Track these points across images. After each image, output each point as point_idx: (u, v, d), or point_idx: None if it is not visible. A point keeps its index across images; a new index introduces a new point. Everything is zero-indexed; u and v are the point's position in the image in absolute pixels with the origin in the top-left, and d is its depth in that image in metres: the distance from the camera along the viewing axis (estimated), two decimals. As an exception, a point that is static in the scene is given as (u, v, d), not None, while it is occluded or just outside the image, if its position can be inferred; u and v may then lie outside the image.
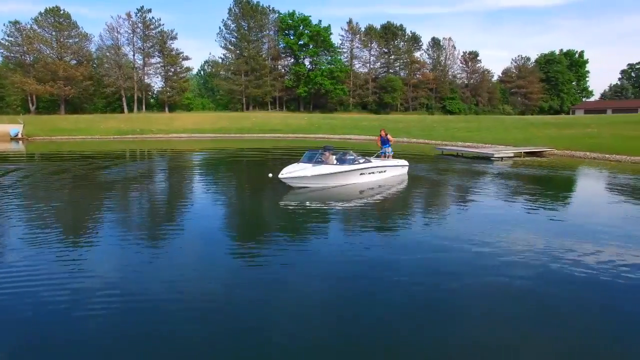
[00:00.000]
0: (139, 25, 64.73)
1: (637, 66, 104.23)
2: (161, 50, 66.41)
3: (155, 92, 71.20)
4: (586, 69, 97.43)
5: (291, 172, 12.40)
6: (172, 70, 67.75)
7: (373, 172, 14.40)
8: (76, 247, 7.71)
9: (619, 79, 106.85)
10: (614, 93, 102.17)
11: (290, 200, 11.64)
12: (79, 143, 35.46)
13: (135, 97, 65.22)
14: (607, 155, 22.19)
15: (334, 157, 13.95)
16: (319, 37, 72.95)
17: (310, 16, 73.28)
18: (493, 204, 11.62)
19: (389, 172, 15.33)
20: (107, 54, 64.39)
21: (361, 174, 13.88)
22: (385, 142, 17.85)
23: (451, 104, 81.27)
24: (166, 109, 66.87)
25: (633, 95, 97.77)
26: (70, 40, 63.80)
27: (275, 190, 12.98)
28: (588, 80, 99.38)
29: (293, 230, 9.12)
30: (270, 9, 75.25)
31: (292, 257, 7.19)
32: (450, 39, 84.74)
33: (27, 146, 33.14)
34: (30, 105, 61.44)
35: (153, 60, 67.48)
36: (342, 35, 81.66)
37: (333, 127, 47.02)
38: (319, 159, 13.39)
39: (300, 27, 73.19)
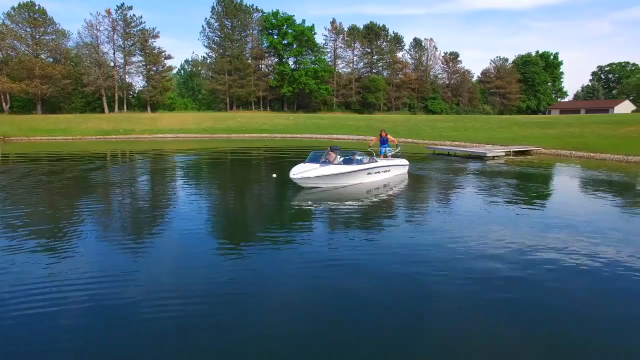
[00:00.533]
0: (120, 23, 63.16)
1: (606, 68, 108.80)
2: (142, 49, 64.97)
3: (136, 91, 69.66)
4: (561, 70, 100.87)
5: (302, 172, 12.48)
6: (154, 69, 66.40)
7: (379, 172, 14.65)
8: (80, 249, 7.62)
9: (590, 80, 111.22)
10: (586, 94, 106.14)
11: (302, 201, 11.71)
12: (61, 144, 34.37)
13: (116, 97, 63.62)
14: (591, 154, 23.18)
15: (341, 157, 14.13)
16: (303, 36, 72.98)
17: (293, 15, 73.36)
18: (498, 202, 12.02)
19: (392, 172, 15.63)
20: (86, 51, 62.52)
21: (368, 173, 14.10)
22: (384, 142, 18.19)
23: (433, 104, 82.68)
24: (148, 108, 65.54)
25: (603, 96, 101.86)
26: (47, 37, 61.59)
27: (283, 191, 13.05)
28: (563, 81, 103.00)
29: (299, 231, 9.18)
30: (254, 8, 74.84)
31: (289, 257, 7.29)
32: (431, 39, 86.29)
33: (4, 147, 31.91)
34: (4, 104, 59.06)
35: (134, 59, 66.01)
36: (326, 35, 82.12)
37: (320, 127, 47.18)
38: (326, 159, 13.53)
39: (284, 27, 73.03)
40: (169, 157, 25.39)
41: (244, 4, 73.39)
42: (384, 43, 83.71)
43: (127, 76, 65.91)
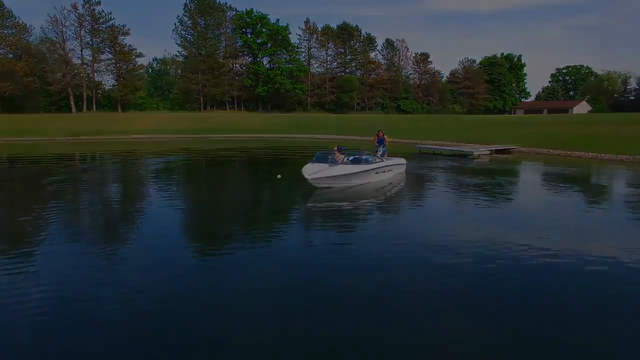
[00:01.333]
0: (87, 18, 60.49)
1: (564, 70, 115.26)
2: (112, 46, 62.52)
3: (105, 90, 66.90)
4: (524, 71, 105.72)
5: (315, 172, 12.59)
6: (125, 67, 64.05)
7: (384, 171, 15.01)
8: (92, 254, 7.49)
9: (549, 81, 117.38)
10: (547, 94, 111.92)
11: (321, 202, 11.86)
12: (30, 146, 32.53)
13: (84, 96, 60.87)
14: (568, 152, 24.57)
15: (349, 157, 14.37)
16: (278, 35, 72.66)
17: (268, 15, 72.84)
18: (498, 200, 12.65)
19: (394, 170, 16.05)
20: (51, 48, 59.42)
21: (376, 172, 14.42)
22: (381, 141, 18.62)
23: (405, 104, 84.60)
24: (119, 108, 63.17)
25: (562, 97, 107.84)
26: (6, 31, 58.13)
27: (294, 192, 13.12)
28: (526, 82, 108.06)
29: (305, 231, 9.32)
30: (228, 6, 73.79)
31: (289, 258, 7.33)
32: (403, 40, 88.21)
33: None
34: (-41, 103, 55.36)
35: (103, 57, 63.45)
36: (300, 35, 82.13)
37: (299, 126, 47.11)
38: (334, 159, 13.73)
39: (259, 26, 72.43)
40: (161, 159, 24.51)
41: (218, 2, 72.20)
42: (357, 43, 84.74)
43: (95, 74, 63.29)
